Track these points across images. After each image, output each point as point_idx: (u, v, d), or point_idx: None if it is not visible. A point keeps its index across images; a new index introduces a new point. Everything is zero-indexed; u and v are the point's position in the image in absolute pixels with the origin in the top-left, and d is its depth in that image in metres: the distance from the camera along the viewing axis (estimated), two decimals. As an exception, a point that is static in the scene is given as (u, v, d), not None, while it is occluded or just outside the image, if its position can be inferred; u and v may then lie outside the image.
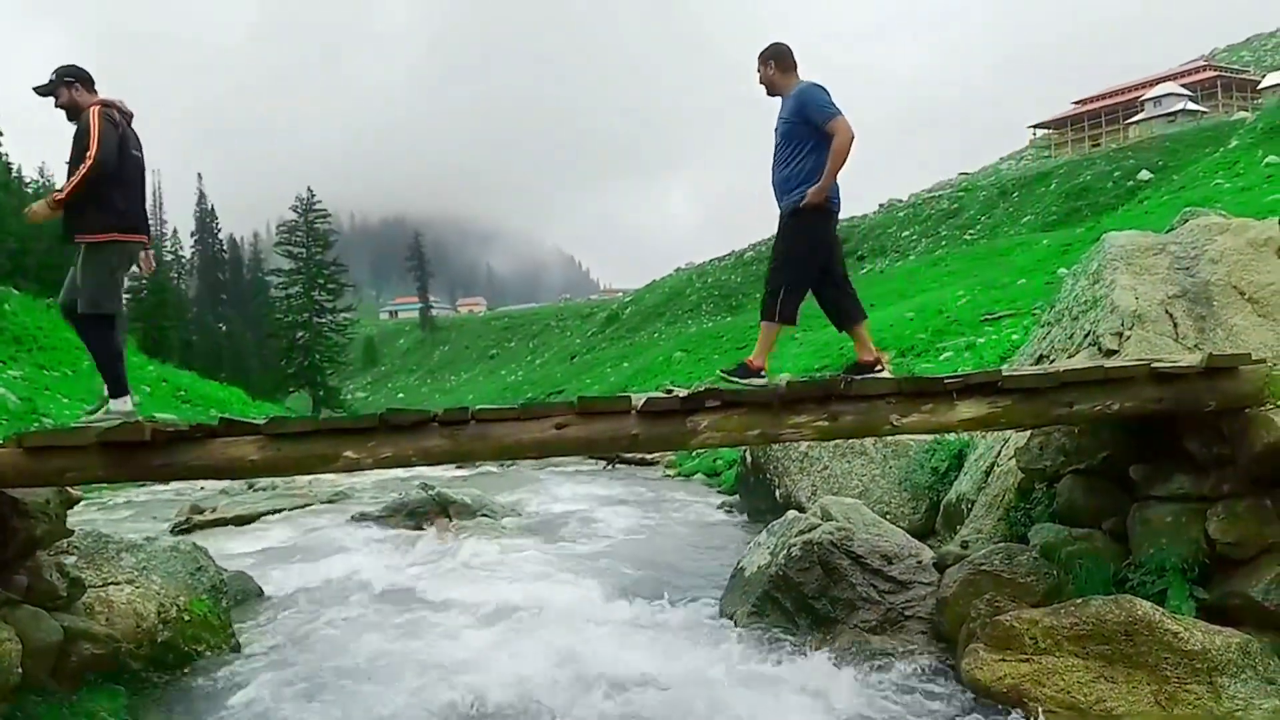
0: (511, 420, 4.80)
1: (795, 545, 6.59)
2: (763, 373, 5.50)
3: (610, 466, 19.63)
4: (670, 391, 5.40)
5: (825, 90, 5.57)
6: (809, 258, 5.69)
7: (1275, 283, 6.08)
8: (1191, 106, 69.79)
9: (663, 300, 76.51)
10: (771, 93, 5.81)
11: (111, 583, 6.03)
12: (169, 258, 72.27)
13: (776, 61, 5.77)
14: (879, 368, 5.63)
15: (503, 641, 6.48)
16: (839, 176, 5.56)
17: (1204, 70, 79.16)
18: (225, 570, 7.61)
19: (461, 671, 5.77)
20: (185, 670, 5.98)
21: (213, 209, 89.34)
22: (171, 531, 12.01)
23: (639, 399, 4.93)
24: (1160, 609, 4.72)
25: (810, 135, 5.55)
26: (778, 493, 10.88)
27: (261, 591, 8.35)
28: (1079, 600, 4.95)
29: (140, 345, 48.47)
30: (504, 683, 5.55)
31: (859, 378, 5.24)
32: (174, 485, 17.65)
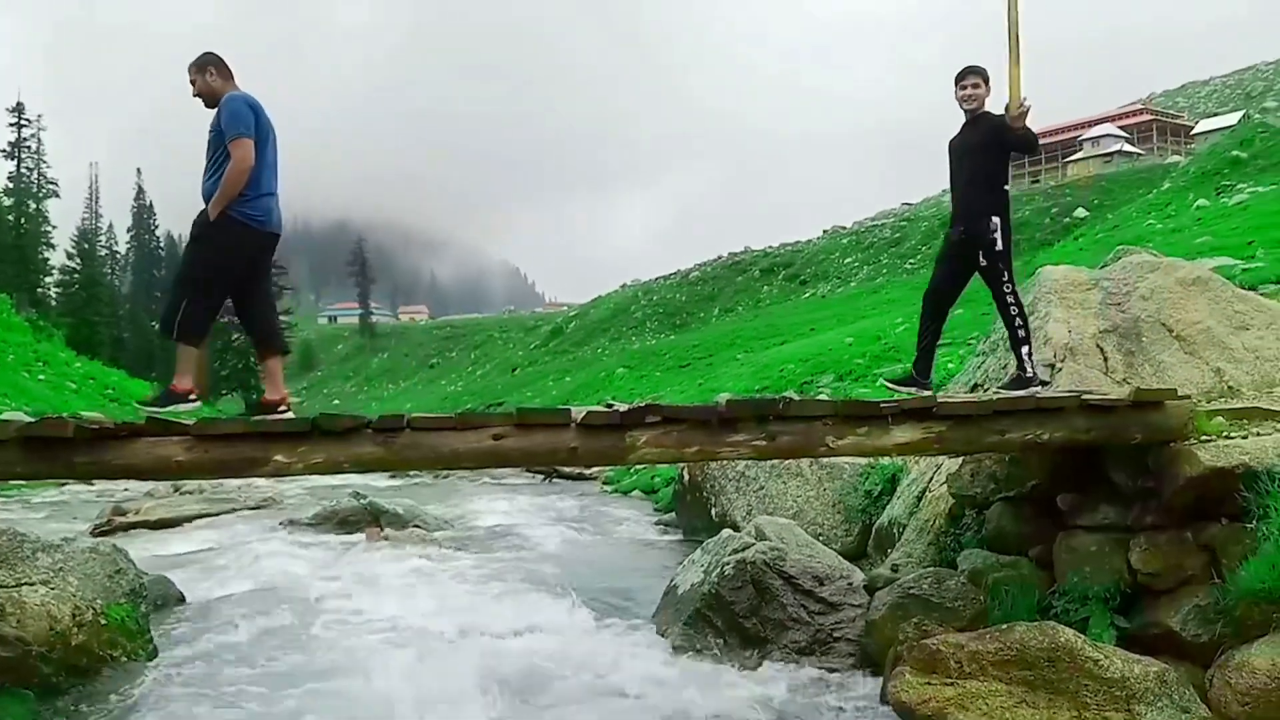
0: (448, 429, 4.74)
1: (729, 564, 6.60)
2: (191, 395, 5.07)
3: (547, 480, 19.54)
4: (611, 406, 5.38)
5: (248, 107, 5.17)
6: (214, 275, 5.23)
7: (1202, 321, 6.26)
8: (1128, 148, 71.88)
9: (607, 316, 76.53)
10: (209, 104, 5.32)
11: (25, 583, 5.82)
12: (103, 252, 70.53)
13: (216, 69, 5.33)
14: (282, 408, 5.20)
15: (429, 656, 6.39)
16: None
17: (1141, 113, 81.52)
18: (146, 574, 7.41)
19: (385, 686, 5.67)
20: (99, 676, 5.80)
21: (150, 205, 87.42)
22: (92, 533, 11.68)
23: (578, 412, 4.90)
24: (1082, 636, 4.80)
25: (225, 148, 5.18)
26: (714, 511, 10.90)
27: (183, 597, 8.15)
28: (1004, 626, 5.01)
29: (68, 341, 47.21)
30: (427, 698, 5.46)
31: (168, 409, 4.84)
32: (97, 485, 17.19)
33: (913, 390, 6.01)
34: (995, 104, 5.97)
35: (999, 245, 5.86)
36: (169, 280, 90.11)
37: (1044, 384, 5.81)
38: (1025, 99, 5.66)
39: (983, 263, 5.92)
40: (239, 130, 5.09)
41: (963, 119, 6.13)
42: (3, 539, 6.19)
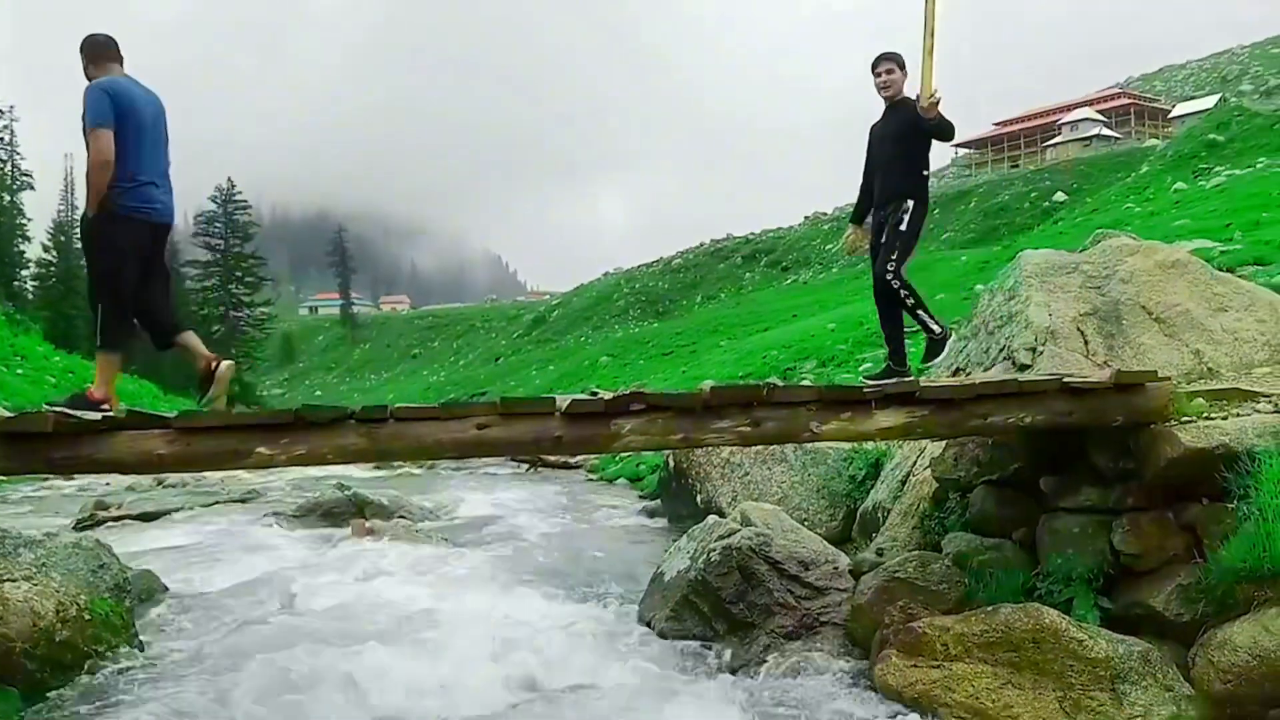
0: (432, 419, 4.72)
1: (715, 550, 6.61)
2: (104, 406, 4.85)
3: (532, 469, 19.53)
4: (595, 394, 5.37)
5: (105, 94, 5.00)
6: (111, 274, 5.11)
7: (1181, 304, 6.30)
8: (1106, 132, 72.27)
9: (590, 304, 76.50)
10: None
11: (7, 579, 5.78)
12: (79, 245, 69.84)
13: (87, 55, 5.21)
14: (105, 407, 4.85)
15: (415, 646, 6.37)
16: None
17: (1119, 97, 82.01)
18: (130, 568, 7.36)
19: (370, 677, 5.65)
20: (84, 671, 5.76)
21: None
22: (74, 527, 11.59)
23: (563, 400, 4.89)
24: (1066, 617, 4.84)
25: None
26: (699, 498, 10.92)
27: (168, 590, 8.11)
28: (989, 608, 5.05)
29: (46, 334, 46.78)
30: (414, 689, 5.46)
31: (87, 413, 4.53)
32: (78, 480, 17.06)
33: (893, 381, 5.99)
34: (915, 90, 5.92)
35: (903, 225, 5.88)
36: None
37: (909, 379, 5.71)
38: (936, 90, 5.63)
39: (883, 237, 5.99)
40: (93, 121, 4.96)
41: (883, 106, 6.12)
42: (-17, 535, 6.14)
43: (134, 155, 5.07)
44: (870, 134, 6.27)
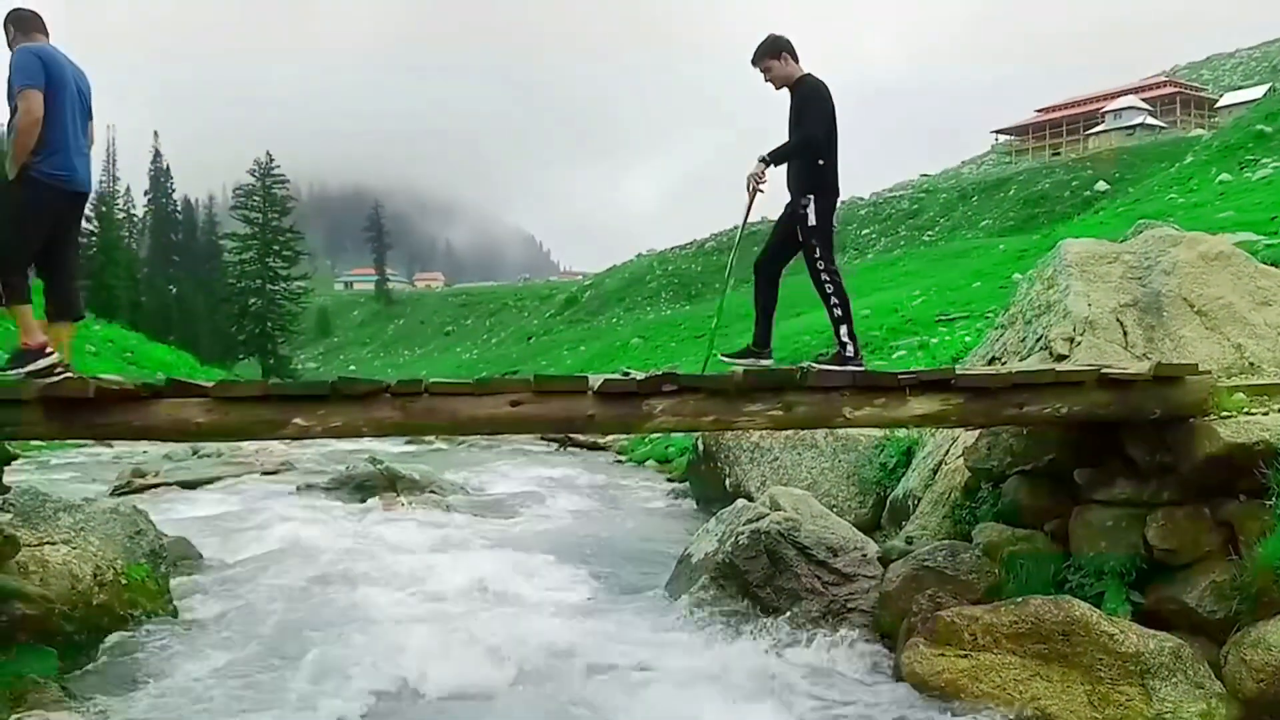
0: (466, 395, 4.75)
1: (743, 534, 6.62)
2: (47, 350, 4.97)
3: (561, 448, 19.60)
4: (628, 374, 5.38)
5: (37, 58, 5.08)
6: (20, 236, 5.14)
7: (1224, 296, 6.20)
8: (1150, 121, 71.10)
9: (622, 285, 76.49)
10: None
11: (48, 542, 5.89)
12: (120, 216, 70.77)
13: (13, 25, 5.30)
14: (49, 351, 5.01)
15: (445, 620, 6.44)
16: None
17: (1164, 85, 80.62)
18: (165, 535, 7.49)
19: (401, 649, 5.72)
20: (120, 634, 5.88)
21: (168, 168, 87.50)
22: (112, 493, 11.80)
23: (596, 379, 4.90)
24: (1097, 611, 4.80)
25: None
26: (728, 481, 10.92)
27: (201, 558, 8.24)
28: (1019, 599, 5.02)
29: (87, 304, 47.42)
30: (444, 661, 5.51)
31: (30, 367, 4.77)
32: (116, 447, 17.35)
33: (751, 361, 5.84)
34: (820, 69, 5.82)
35: (811, 221, 5.69)
36: (186, 244, 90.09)
37: (863, 367, 5.58)
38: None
39: (799, 238, 5.77)
40: (23, 82, 5.02)
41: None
42: (24, 498, 6.26)
43: (58, 123, 5.14)
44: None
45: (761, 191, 5.68)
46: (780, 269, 6.10)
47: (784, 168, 5.79)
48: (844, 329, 5.68)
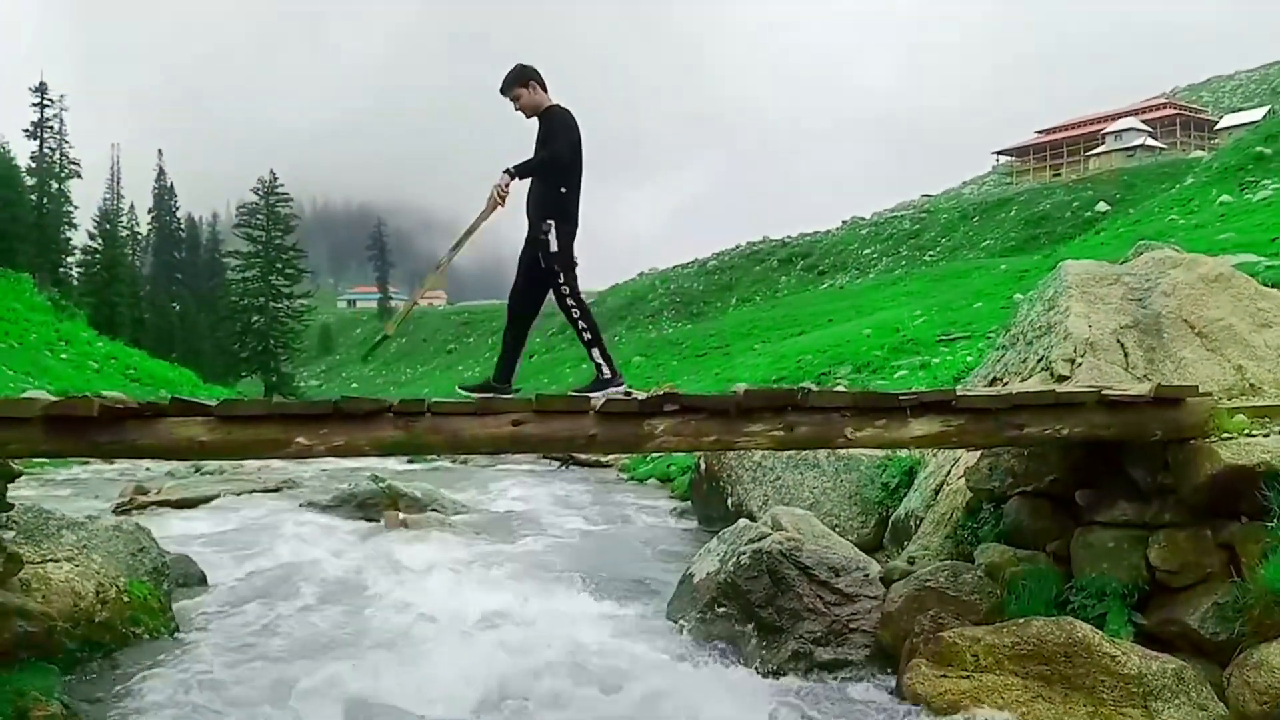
0: (468, 415, 4.77)
1: (745, 553, 6.61)
2: None
3: (564, 467, 19.59)
4: (629, 394, 5.40)
5: None
6: None
7: (1224, 318, 6.22)
8: (1151, 142, 71.32)
9: (624, 304, 76.57)
10: None
11: (50, 560, 5.91)
12: (124, 233, 71.02)
13: None
14: None
15: (446, 640, 6.43)
16: None
17: (1164, 107, 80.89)
18: (168, 553, 7.49)
19: (401, 668, 5.72)
20: (122, 652, 5.88)
21: (171, 186, 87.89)
22: (114, 511, 11.80)
23: (597, 399, 4.92)
24: (1099, 632, 4.80)
25: None
26: (730, 500, 10.92)
27: (204, 576, 8.23)
28: (1021, 620, 5.01)
29: (90, 321, 47.56)
30: (444, 682, 5.50)
31: None
32: (118, 464, 17.35)
33: (489, 396, 5.59)
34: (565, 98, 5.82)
35: (553, 247, 5.66)
36: (189, 261, 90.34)
37: (622, 386, 5.53)
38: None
39: (541, 265, 5.73)
40: None
41: None
42: (28, 516, 6.27)
43: None
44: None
45: (501, 204, 5.61)
46: (532, 307, 6.05)
47: (526, 194, 5.78)
48: (595, 352, 5.66)
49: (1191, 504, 5.10)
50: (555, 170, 5.71)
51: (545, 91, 5.89)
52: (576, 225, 5.84)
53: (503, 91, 5.86)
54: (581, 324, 5.71)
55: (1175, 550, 5.07)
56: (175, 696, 5.29)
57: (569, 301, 5.71)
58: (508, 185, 5.59)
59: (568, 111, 5.81)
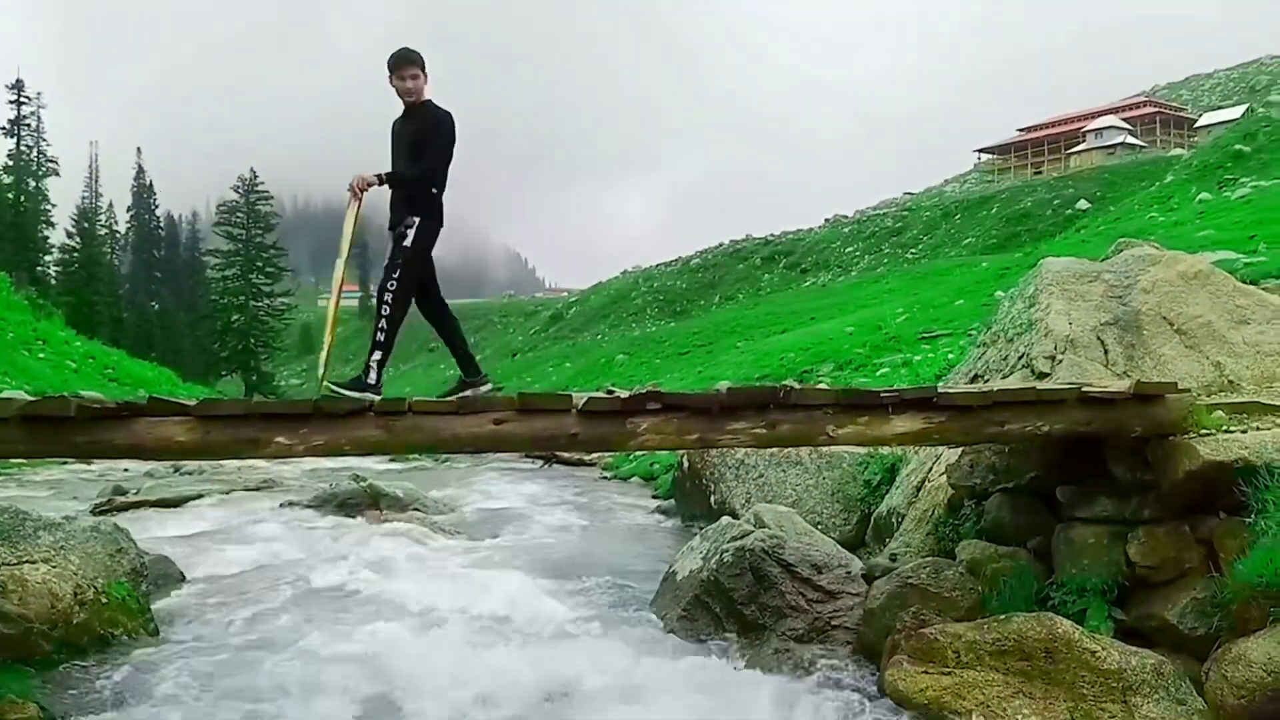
0: (449, 414, 4.75)
1: (728, 551, 6.62)
2: None
3: (547, 465, 19.56)
4: (611, 392, 5.39)
5: None
6: None
7: (1203, 315, 6.26)
8: (1131, 140, 71.74)
9: (608, 302, 76.52)
10: None
11: (26, 561, 5.85)
12: (102, 231, 70.46)
13: None
14: None
15: (428, 639, 6.41)
16: None
17: (1144, 105, 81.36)
18: (146, 553, 7.43)
19: (383, 669, 5.69)
20: (100, 654, 5.83)
21: (150, 184, 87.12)
22: (92, 512, 11.70)
23: (580, 398, 4.91)
24: (1079, 628, 4.82)
25: None
26: (713, 498, 10.92)
27: (183, 576, 8.17)
28: (1002, 616, 5.03)
29: (68, 320, 47.16)
30: (426, 681, 5.48)
31: None
32: (96, 465, 17.21)
33: (358, 394, 5.18)
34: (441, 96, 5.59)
35: (408, 242, 5.47)
36: (168, 260, 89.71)
37: (376, 394, 5.24)
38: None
39: (393, 253, 5.51)
40: None
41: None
42: (4, 517, 6.22)
43: None
44: (392, 133, 5.77)
45: (359, 200, 5.39)
46: (435, 296, 5.93)
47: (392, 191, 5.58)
48: (375, 356, 5.42)
49: (1171, 500, 5.13)
50: (435, 179, 5.56)
51: (427, 83, 5.68)
52: (442, 224, 5.68)
53: (401, 68, 5.53)
54: (384, 324, 5.46)
55: (1155, 546, 5.10)
56: (154, 698, 5.25)
57: (387, 296, 5.46)
58: (367, 185, 5.36)
59: (449, 113, 5.61)
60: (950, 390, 5.54)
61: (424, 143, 5.54)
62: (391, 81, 5.60)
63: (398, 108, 5.69)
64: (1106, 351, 6.24)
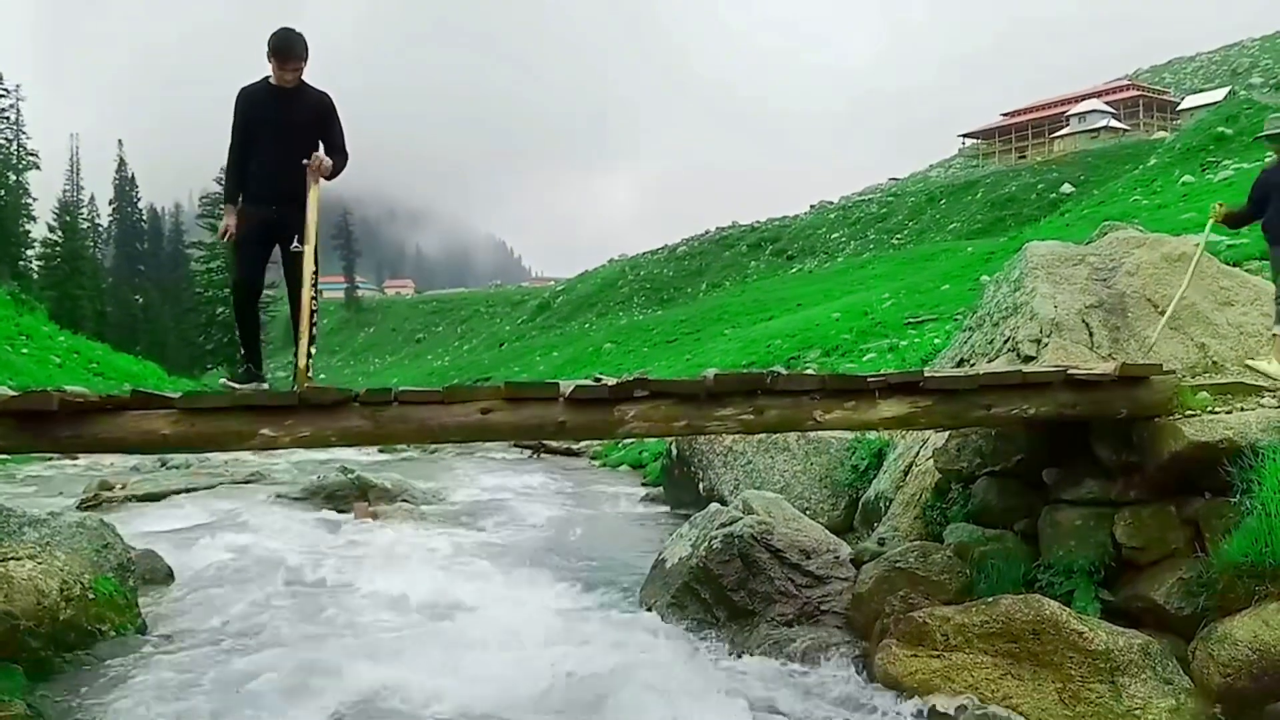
0: (435, 403, 4.73)
1: (716, 538, 6.62)
2: None
3: (535, 455, 19.55)
4: (599, 380, 5.37)
5: None
6: None
7: (1186, 297, 6.28)
8: (1114, 124, 71.89)
9: (595, 291, 76.39)
10: None
11: (12, 558, 5.80)
12: (85, 225, 69.95)
13: None
14: None
15: (417, 630, 6.41)
16: None
17: (1127, 89, 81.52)
18: (133, 548, 7.39)
19: (372, 661, 5.67)
20: (88, 650, 5.79)
21: (133, 177, 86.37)
22: (78, 507, 11.62)
23: (567, 386, 4.90)
24: (1067, 609, 4.84)
25: None
26: (701, 485, 10.94)
27: (171, 571, 8.13)
28: (990, 599, 5.06)
29: (51, 314, 46.85)
30: (415, 672, 5.47)
31: None
32: (83, 460, 17.12)
33: (253, 385, 5.27)
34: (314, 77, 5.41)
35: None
36: (152, 253, 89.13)
37: (267, 387, 5.26)
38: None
39: (295, 248, 5.28)
40: None
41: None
42: (-12, 513, 6.16)
43: None
44: (262, 118, 5.41)
45: (315, 181, 5.28)
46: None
47: (281, 176, 5.34)
48: (308, 345, 5.13)
49: (1156, 481, 5.16)
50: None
51: None
52: None
53: (295, 56, 5.30)
54: (315, 319, 5.23)
55: (1141, 527, 5.13)
56: (143, 695, 5.22)
57: (313, 294, 5.25)
58: (322, 163, 5.27)
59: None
60: (936, 374, 5.55)
61: (332, 127, 5.47)
62: (275, 68, 5.35)
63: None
64: (1092, 334, 6.26)
